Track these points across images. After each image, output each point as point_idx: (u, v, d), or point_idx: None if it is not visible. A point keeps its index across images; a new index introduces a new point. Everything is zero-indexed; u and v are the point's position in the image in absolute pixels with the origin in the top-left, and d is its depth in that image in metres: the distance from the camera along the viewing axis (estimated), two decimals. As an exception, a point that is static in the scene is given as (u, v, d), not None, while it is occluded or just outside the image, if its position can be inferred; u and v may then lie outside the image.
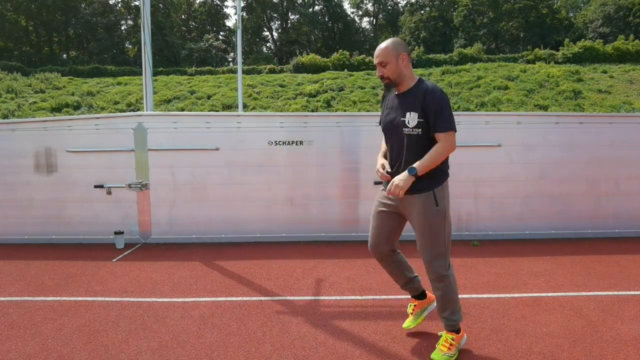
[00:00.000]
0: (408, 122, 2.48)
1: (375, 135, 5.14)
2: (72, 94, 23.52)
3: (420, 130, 2.48)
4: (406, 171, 2.46)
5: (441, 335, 2.69)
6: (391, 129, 2.59)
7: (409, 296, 2.98)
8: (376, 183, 5.19)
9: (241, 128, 5.23)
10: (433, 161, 2.46)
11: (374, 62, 2.57)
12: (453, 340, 2.61)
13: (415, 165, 2.45)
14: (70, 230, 5.36)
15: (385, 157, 2.74)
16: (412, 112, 2.48)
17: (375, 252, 2.77)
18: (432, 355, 2.62)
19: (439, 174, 2.54)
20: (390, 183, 2.50)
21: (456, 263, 4.40)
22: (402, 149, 2.54)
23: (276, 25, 54.69)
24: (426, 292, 2.93)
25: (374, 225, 2.74)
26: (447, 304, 2.62)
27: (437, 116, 2.45)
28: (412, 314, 2.92)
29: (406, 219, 2.69)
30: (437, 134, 2.47)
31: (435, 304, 2.82)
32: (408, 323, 2.90)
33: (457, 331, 2.65)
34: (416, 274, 2.88)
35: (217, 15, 52.18)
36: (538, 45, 31.66)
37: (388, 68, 2.52)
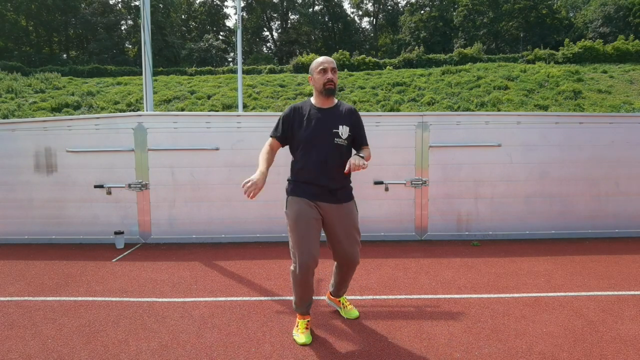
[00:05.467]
0: (341, 134, 2.80)
1: (375, 134, 5.16)
2: (72, 94, 23.54)
3: (347, 141, 2.82)
4: (357, 155, 2.74)
5: (342, 301, 3.25)
6: (321, 139, 2.77)
7: (305, 316, 2.96)
8: (376, 183, 5.20)
9: (241, 128, 5.23)
10: (368, 159, 2.87)
11: (327, 67, 2.80)
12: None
13: (362, 154, 2.80)
14: (70, 230, 5.36)
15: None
16: (344, 126, 2.81)
17: (314, 265, 2.71)
18: (352, 315, 3.15)
19: (351, 189, 2.97)
20: (350, 164, 2.63)
21: (456, 263, 4.41)
22: (327, 156, 2.76)
23: (276, 25, 54.74)
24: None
25: (312, 237, 2.72)
26: (350, 280, 3.13)
27: (361, 132, 2.93)
28: (307, 328, 2.92)
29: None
30: (364, 146, 2.95)
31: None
32: (309, 338, 2.86)
33: None
34: None
35: (217, 15, 52.20)
36: (538, 45, 31.69)
37: (336, 76, 2.83)
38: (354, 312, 3.19)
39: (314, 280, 3.07)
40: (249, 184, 2.62)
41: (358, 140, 2.93)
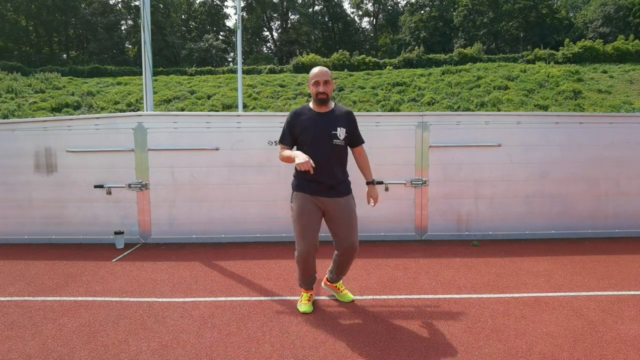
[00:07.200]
0: (339, 135, 3.12)
1: (375, 134, 5.15)
2: (72, 94, 23.53)
3: (344, 142, 3.16)
4: (374, 186, 3.34)
5: (338, 287, 3.48)
6: (321, 140, 3.09)
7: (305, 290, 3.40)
8: (377, 183, 5.19)
9: (241, 128, 5.23)
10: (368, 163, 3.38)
11: (319, 80, 3.08)
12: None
13: (372, 178, 3.36)
14: (70, 230, 5.36)
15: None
16: (341, 128, 3.14)
17: (314, 251, 3.13)
18: (347, 298, 3.42)
19: (350, 183, 3.29)
20: (372, 199, 3.32)
21: (456, 263, 4.41)
22: (328, 156, 3.09)
23: (276, 25, 54.74)
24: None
25: (313, 228, 3.11)
26: (348, 268, 3.35)
27: (357, 132, 3.26)
28: (309, 301, 3.36)
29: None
30: (360, 146, 3.32)
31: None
32: (310, 308, 3.31)
33: None
34: None
35: (217, 15, 52.20)
36: (538, 45, 31.70)
37: (329, 87, 3.12)
38: (349, 296, 3.46)
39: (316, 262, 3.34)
40: (304, 162, 2.85)
41: (354, 140, 3.26)
